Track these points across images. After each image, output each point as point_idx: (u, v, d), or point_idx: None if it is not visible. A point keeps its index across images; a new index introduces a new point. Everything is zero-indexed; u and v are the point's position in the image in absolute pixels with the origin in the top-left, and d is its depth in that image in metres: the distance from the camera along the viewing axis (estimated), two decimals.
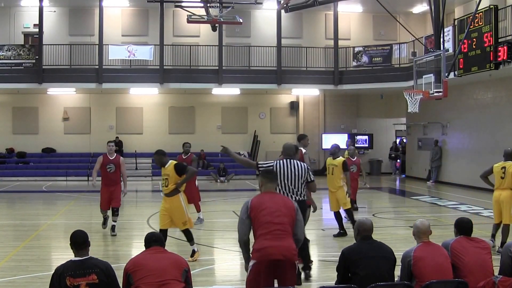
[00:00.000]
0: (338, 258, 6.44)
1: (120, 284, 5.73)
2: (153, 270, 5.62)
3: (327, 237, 13.78)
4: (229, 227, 14.58)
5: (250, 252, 6.37)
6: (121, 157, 13.58)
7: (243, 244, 6.47)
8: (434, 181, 26.81)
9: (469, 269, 6.43)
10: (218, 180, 28.24)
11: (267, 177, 6.72)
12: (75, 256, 5.67)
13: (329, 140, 31.28)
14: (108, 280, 5.55)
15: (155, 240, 6.02)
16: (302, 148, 11.28)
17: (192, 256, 10.39)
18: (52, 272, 5.64)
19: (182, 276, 5.72)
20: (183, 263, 5.88)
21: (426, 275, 6.18)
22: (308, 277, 9.30)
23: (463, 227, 6.85)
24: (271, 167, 8.29)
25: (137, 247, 10.60)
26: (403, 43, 27.55)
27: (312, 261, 9.74)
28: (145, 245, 6.04)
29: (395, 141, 32.26)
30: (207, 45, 28.80)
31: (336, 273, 6.44)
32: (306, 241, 9.06)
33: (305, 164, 8.84)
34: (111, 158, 13.30)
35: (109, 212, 13.58)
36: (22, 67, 27.24)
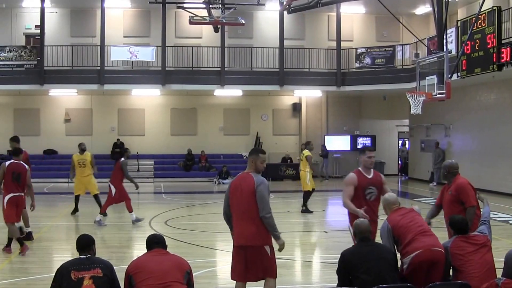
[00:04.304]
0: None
1: (122, 285, 5.73)
2: (155, 272, 5.60)
3: (329, 238, 13.72)
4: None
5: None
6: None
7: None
8: (437, 183, 26.69)
9: (473, 271, 6.45)
10: (222, 183, 28.00)
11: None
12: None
13: (332, 142, 31.31)
14: (111, 276, 5.62)
15: (156, 242, 6.01)
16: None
17: None
18: (54, 273, 5.64)
19: (184, 278, 5.70)
20: (185, 265, 5.85)
21: (405, 230, 6.71)
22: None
23: (456, 225, 6.88)
24: None
25: (139, 249, 10.54)
26: (406, 44, 27.47)
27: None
28: (147, 247, 6.02)
29: (324, 144, 30.87)
30: (209, 47, 28.74)
31: (337, 276, 6.46)
32: None
33: None
34: (369, 177, 8.18)
35: None
36: (24, 68, 27.17)
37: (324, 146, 30.66)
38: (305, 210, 17.42)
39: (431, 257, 6.48)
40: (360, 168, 8.16)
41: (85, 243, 5.85)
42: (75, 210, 16.97)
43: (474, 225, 7.52)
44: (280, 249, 6.91)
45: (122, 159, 15.39)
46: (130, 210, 15.25)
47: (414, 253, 6.50)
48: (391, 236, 6.79)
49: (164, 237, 6.33)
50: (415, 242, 6.57)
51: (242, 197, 6.86)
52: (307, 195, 17.51)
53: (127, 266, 5.86)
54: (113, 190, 15.23)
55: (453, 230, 6.94)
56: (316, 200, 20.33)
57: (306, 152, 17.67)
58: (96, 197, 16.60)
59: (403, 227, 6.76)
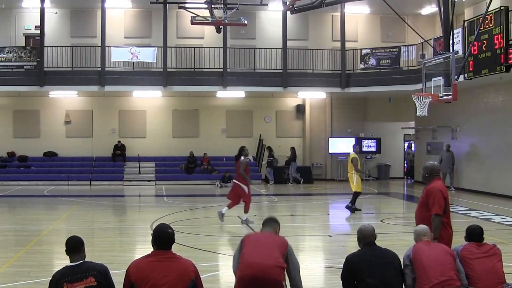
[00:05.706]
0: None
1: (120, 286, 5.50)
2: (158, 286, 5.28)
3: (334, 243, 13.51)
4: (234, 233, 14.30)
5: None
6: None
7: None
8: (454, 188, 25.49)
9: (479, 276, 6.45)
10: (224, 186, 27.60)
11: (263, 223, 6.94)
12: (70, 262, 5.61)
13: (336, 144, 30.99)
14: (106, 281, 5.44)
15: (163, 238, 5.57)
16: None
17: None
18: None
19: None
20: (190, 272, 5.49)
21: (426, 266, 6.27)
22: None
23: (472, 233, 6.92)
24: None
25: (141, 253, 10.23)
26: (412, 45, 27.19)
27: None
28: (153, 242, 5.59)
29: (269, 147, 29.92)
30: (212, 47, 28.49)
31: (341, 282, 6.39)
32: None
33: None
34: None
35: None
36: (23, 70, 26.93)
37: (293, 148, 30.24)
38: (354, 209, 18.03)
39: None
40: None
41: (75, 245, 5.68)
42: None
43: (444, 236, 7.51)
44: None
45: (242, 158, 15.95)
46: (246, 211, 15.67)
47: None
48: (410, 261, 6.47)
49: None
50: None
51: (265, 243, 6.35)
52: (356, 195, 18.15)
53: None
54: (245, 188, 15.65)
55: (468, 237, 6.94)
56: (320, 204, 20.08)
57: (352, 155, 18.18)
58: None
59: (423, 265, 6.36)
